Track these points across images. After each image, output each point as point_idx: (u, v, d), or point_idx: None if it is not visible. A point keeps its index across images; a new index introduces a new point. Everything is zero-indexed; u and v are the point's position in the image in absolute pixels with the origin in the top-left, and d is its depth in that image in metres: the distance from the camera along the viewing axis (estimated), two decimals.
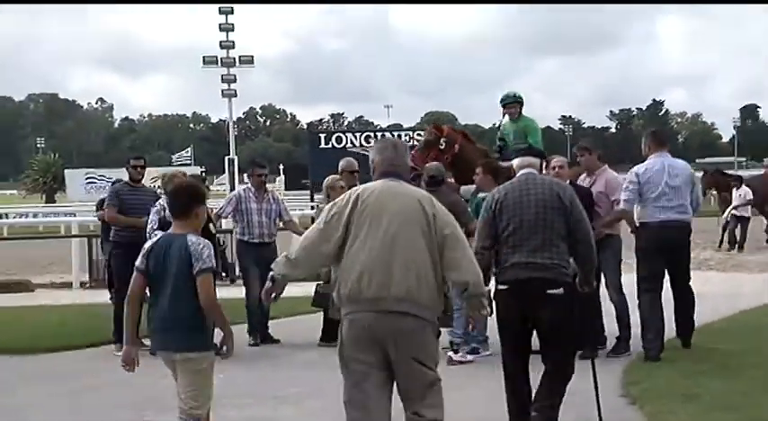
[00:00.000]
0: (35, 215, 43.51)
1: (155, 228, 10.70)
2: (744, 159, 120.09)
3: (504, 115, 12.23)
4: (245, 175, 15.87)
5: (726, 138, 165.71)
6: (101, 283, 18.11)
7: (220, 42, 62.02)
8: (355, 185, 11.52)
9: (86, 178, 65.28)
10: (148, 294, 6.53)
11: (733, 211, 23.49)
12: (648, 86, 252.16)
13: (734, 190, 23.96)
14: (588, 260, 7.40)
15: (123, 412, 8.73)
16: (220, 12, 61.74)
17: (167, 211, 10.95)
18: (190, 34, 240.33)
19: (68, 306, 15.86)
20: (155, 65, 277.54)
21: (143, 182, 12.08)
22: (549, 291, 7.04)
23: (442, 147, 11.16)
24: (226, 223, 16.35)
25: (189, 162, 66.95)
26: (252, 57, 64.11)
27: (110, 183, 62.11)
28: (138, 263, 6.32)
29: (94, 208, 17.31)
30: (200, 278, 6.10)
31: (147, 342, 11.11)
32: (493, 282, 7.45)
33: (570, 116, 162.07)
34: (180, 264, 6.11)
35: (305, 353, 11.20)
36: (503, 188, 7.50)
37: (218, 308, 6.26)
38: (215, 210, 11.84)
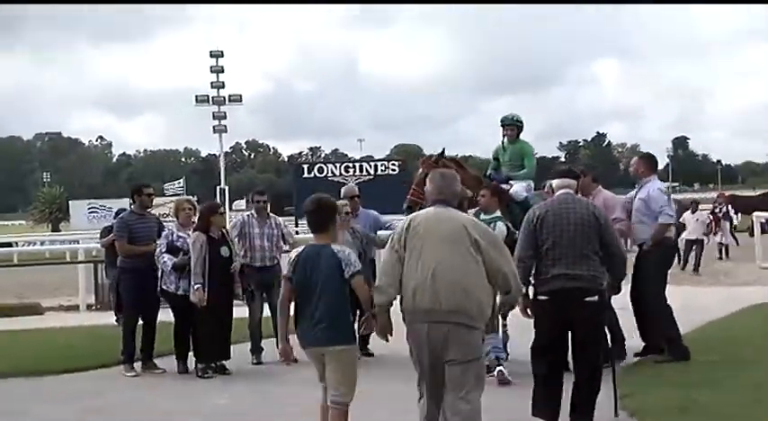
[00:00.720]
0: (42, 243, 42.84)
1: (163, 251, 10.40)
2: (677, 184, 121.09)
3: (503, 136, 11.47)
4: (234, 203, 15.19)
5: (661, 166, 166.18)
6: (106, 306, 17.84)
7: (211, 82, 61.51)
8: (357, 209, 10.95)
9: (89, 208, 65.01)
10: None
11: (686, 236, 22.41)
12: (591, 121, 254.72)
13: (688, 213, 22.96)
14: (621, 272, 7.59)
15: None
16: (211, 55, 61.35)
17: (174, 236, 10.46)
18: (179, 77, 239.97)
19: (76, 328, 15.06)
20: (148, 105, 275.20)
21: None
22: (586, 299, 7.16)
23: None
24: None
25: (181, 192, 66.14)
26: (240, 95, 63.69)
27: (110, 212, 61.68)
28: (285, 271, 6.64)
29: (99, 235, 16.61)
30: (355, 280, 6.37)
31: (159, 364, 10.67)
32: (530, 291, 7.48)
33: None
34: (330, 269, 6.33)
35: (304, 371, 10.31)
36: (543, 205, 7.61)
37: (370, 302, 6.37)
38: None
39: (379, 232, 11.02)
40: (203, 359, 10.37)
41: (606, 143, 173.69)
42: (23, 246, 39.65)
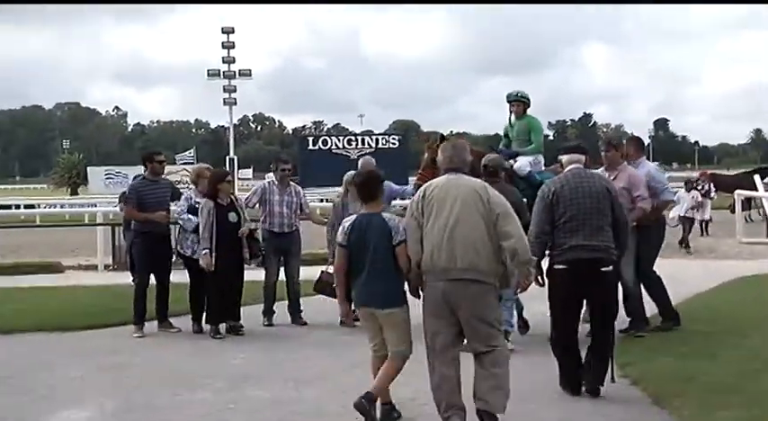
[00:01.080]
0: (62, 206, 42.66)
1: (184, 210, 10.38)
2: (656, 163, 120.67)
3: (510, 113, 10.97)
4: (240, 172, 14.83)
5: None
6: (123, 266, 17.37)
7: (222, 58, 61.27)
8: None
9: (106, 174, 65.05)
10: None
11: (684, 214, 21.65)
12: (578, 102, 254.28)
13: (682, 191, 22.23)
14: (625, 243, 7.53)
15: (158, 390, 7.83)
16: (223, 31, 60.96)
17: (193, 200, 10.43)
18: (192, 53, 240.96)
19: (95, 287, 14.98)
20: (162, 78, 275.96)
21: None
22: (602, 269, 7.14)
23: None
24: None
25: (192, 161, 65.82)
26: (250, 70, 63.59)
27: (125, 178, 61.48)
28: (340, 239, 6.63)
29: (117, 200, 16.46)
30: (400, 247, 6.38)
31: (174, 323, 10.52)
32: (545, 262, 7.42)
33: None
34: (382, 236, 6.40)
35: (315, 334, 10.37)
36: (557, 180, 7.46)
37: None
38: (243, 201, 11.13)
39: (393, 202, 10.73)
40: (213, 320, 10.24)
41: (592, 123, 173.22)
42: (45, 208, 39.49)
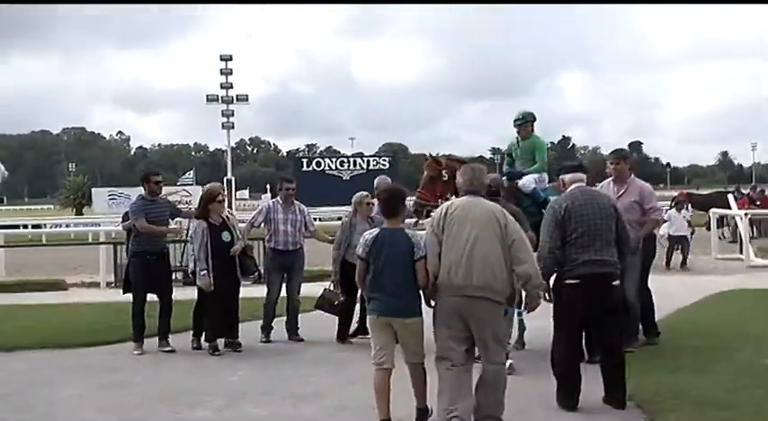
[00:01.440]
0: (67, 225, 42.19)
1: None
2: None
3: (517, 133, 10.38)
4: (238, 192, 14.31)
5: None
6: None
7: (221, 83, 60.92)
8: None
9: (109, 195, 64.82)
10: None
11: (673, 233, 20.11)
12: (556, 125, 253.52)
13: (673, 210, 21.34)
14: (625, 259, 7.46)
15: (157, 407, 7.46)
16: (221, 58, 60.71)
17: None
18: (189, 79, 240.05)
19: (97, 304, 14.58)
20: (162, 103, 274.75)
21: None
22: (613, 283, 7.09)
23: (446, 179, 9.26)
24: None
25: (191, 182, 65.50)
26: (247, 95, 62.98)
27: (128, 199, 61.09)
28: (359, 252, 6.57)
29: (120, 219, 16.07)
30: (420, 262, 6.36)
31: (173, 339, 10.14)
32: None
33: (498, 148, 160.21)
34: (405, 250, 6.38)
35: (312, 350, 9.98)
36: (568, 196, 7.24)
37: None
38: (248, 220, 10.86)
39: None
40: (211, 337, 9.88)
41: (571, 146, 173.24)
42: (51, 227, 39.04)
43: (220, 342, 9.89)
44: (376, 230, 6.69)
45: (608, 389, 6.99)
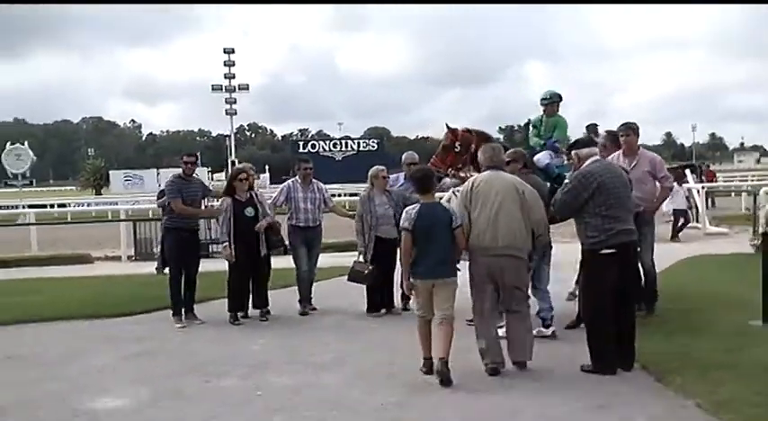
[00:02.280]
0: (89, 204, 41.54)
1: None
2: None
3: (543, 111, 9.69)
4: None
5: None
6: (143, 256, 17.39)
7: (224, 74, 60.08)
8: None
9: (124, 177, 64.30)
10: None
11: (676, 206, 19.06)
12: (524, 110, 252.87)
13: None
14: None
15: (187, 377, 6.91)
16: (224, 51, 59.78)
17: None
18: (191, 73, 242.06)
19: (122, 276, 14.02)
20: (168, 95, 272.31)
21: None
22: (638, 249, 7.07)
23: (458, 150, 8.74)
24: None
25: (198, 164, 64.90)
26: (248, 84, 62.15)
27: (141, 180, 60.17)
28: (406, 225, 6.48)
29: (156, 197, 15.50)
30: (458, 229, 6.48)
31: (199, 315, 9.59)
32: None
33: (471, 129, 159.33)
34: (445, 220, 6.45)
35: (327, 319, 9.44)
36: (597, 170, 6.65)
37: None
38: (270, 201, 10.14)
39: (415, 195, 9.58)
40: (232, 307, 9.38)
41: None
42: (74, 206, 38.37)
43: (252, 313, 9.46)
44: (417, 205, 6.55)
45: (621, 352, 6.49)
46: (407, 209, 6.63)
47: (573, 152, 6.97)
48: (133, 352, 8.00)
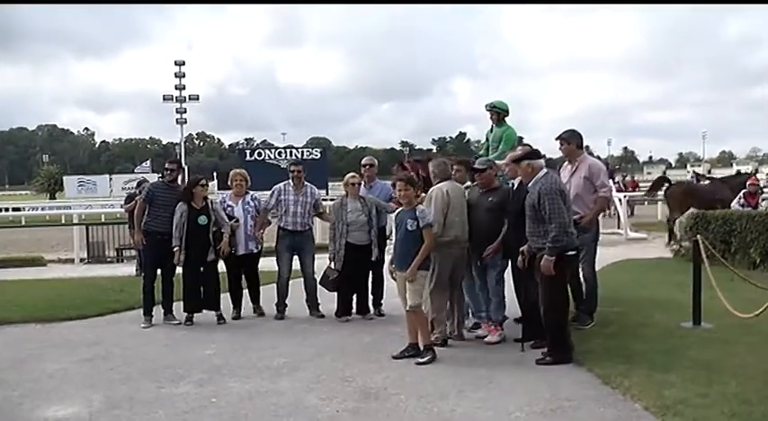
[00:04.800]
0: (43, 208, 40.10)
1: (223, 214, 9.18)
2: None
3: (491, 119, 9.27)
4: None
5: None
6: (96, 260, 16.83)
7: (175, 85, 58.80)
8: (374, 178, 9.50)
9: (78, 182, 62.51)
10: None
11: None
12: (452, 122, 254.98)
13: None
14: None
15: (141, 383, 6.39)
16: (176, 63, 58.52)
17: (225, 204, 9.29)
18: (139, 85, 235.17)
19: (76, 279, 13.26)
20: (117, 105, 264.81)
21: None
22: None
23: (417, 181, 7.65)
24: None
25: (148, 171, 63.29)
26: (198, 95, 60.79)
27: (94, 185, 58.55)
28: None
29: (123, 201, 15.00)
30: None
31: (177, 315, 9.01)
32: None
33: (407, 141, 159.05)
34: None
35: (272, 322, 8.98)
36: (558, 182, 6.78)
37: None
38: (263, 206, 9.43)
39: (391, 203, 9.13)
40: (185, 309, 8.95)
41: (466, 140, 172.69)
42: (29, 210, 36.95)
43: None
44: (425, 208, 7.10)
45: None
46: (423, 210, 6.94)
47: (526, 162, 6.71)
48: (86, 356, 7.42)
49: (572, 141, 8.01)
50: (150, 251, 9.14)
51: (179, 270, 9.01)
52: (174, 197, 8.98)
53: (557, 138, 8.14)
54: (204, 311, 9.03)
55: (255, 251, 9.36)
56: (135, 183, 14.88)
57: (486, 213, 7.35)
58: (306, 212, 9.31)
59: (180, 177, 9.47)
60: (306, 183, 9.48)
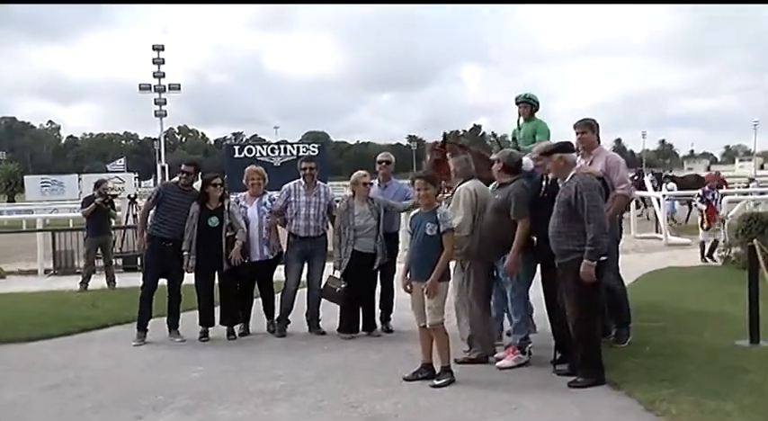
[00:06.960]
0: (1, 212, 40.23)
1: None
2: None
3: (518, 114, 9.32)
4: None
5: None
6: (62, 271, 16.93)
7: (153, 73, 58.73)
8: (389, 178, 9.54)
9: (41, 183, 62.59)
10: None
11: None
12: (462, 114, 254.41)
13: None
14: None
15: (118, 411, 6.31)
16: (153, 48, 58.53)
17: (239, 205, 9.29)
18: (107, 72, 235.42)
19: (39, 293, 13.32)
20: (83, 95, 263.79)
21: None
22: None
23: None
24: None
25: (123, 170, 63.37)
26: (179, 84, 60.64)
27: (60, 186, 58.74)
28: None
29: (81, 204, 15.34)
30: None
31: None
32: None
33: (415, 135, 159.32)
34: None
35: (270, 340, 9.02)
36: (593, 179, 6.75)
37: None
38: (272, 209, 9.33)
39: (403, 202, 9.11)
40: (200, 321, 9.18)
41: (481, 133, 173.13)
42: None
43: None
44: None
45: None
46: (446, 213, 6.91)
47: (558, 155, 6.68)
48: (51, 382, 7.34)
49: (594, 130, 7.89)
50: (152, 258, 9.15)
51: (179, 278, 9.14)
52: (186, 202, 9.04)
53: (575, 126, 7.93)
54: (199, 326, 9.14)
55: (271, 257, 9.31)
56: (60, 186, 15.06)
57: (491, 213, 7.35)
58: (319, 214, 9.18)
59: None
60: (319, 181, 9.40)
